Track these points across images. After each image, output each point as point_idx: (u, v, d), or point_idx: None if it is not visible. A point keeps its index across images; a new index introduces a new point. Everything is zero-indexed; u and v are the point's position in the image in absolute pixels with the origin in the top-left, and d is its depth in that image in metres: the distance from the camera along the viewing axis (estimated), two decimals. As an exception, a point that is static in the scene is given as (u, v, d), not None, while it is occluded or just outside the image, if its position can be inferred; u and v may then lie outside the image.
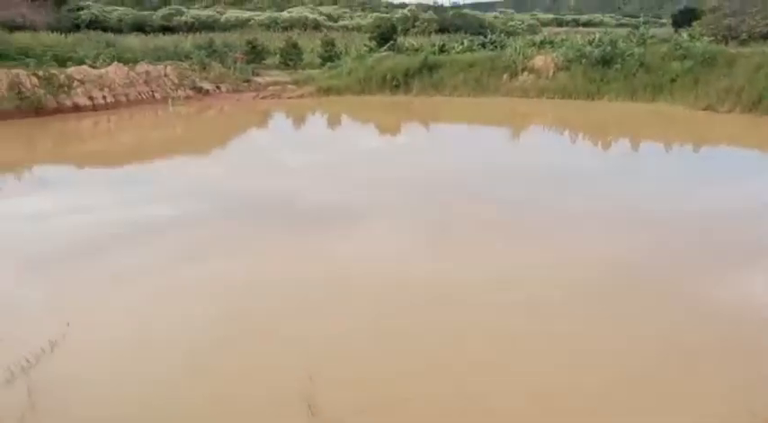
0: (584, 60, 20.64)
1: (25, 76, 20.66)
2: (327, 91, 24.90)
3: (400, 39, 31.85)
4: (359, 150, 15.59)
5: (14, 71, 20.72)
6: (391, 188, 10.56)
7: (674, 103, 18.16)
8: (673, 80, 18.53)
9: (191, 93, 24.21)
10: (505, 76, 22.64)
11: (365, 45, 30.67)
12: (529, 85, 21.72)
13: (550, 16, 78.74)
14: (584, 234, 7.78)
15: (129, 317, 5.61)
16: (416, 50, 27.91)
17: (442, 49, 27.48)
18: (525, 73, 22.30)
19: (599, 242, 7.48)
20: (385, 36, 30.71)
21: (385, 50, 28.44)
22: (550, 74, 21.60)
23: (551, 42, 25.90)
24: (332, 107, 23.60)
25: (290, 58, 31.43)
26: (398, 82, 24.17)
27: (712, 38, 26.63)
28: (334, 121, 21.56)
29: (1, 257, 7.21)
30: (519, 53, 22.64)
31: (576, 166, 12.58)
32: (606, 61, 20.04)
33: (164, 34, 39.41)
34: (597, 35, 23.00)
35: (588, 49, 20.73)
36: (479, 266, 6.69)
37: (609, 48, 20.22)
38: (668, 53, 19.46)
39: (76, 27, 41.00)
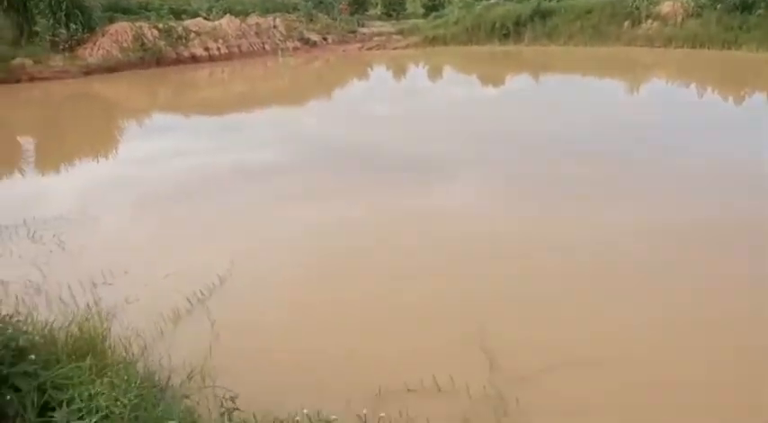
0: (719, 5, 18.79)
1: (147, 29, 21.62)
2: (433, 41, 24.33)
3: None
4: (458, 102, 15.02)
5: (138, 24, 21.72)
6: (489, 142, 10.12)
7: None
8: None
9: (298, 44, 24.43)
10: (627, 23, 21.12)
11: (471, -7, 29.51)
12: (653, 33, 20.15)
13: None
14: (677, 196, 7.06)
15: (269, 251, 5.83)
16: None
17: (552, -4, 26.00)
18: (649, 20, 20.67)
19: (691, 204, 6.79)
20: (491, -18, 29.42)
21: (491, -2, 27.32)
22: (679, 21, 19.89)
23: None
24: (436, 58, 23.08)
25: (393, 8, 30.90)
26: (508, 31, 23.20)
27: None
28: (435, 73, 21.11)
29: (128, 195, 7.73)
30: (644, -2, 20.98)
31: (698, 123, 11.31)
32: (746, 6, 18.14)
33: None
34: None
35: (726, -9, 18.81)
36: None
37: (752, -11, 18.27)
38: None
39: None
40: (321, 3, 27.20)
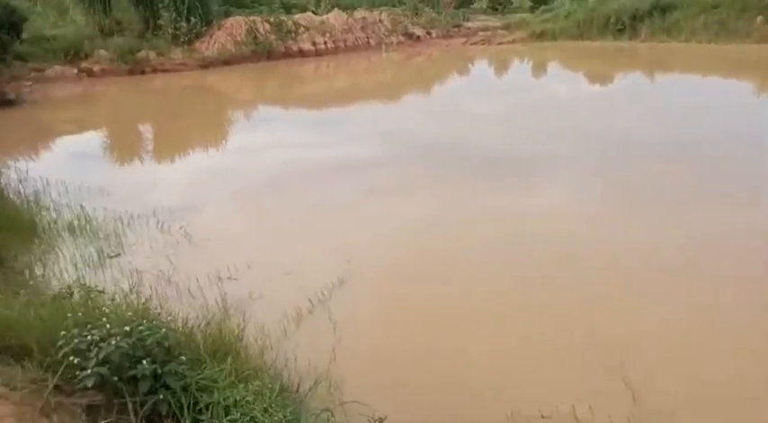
0: None
1: (260, 23, 22.42)
2: (541, 36, 23.55)
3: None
4: (559, 100, 14.46)
5: (251, 18, 22.58)
6: (587, 143, 9.69)
7: None
8: None
9: (402, 38, 24.44)
10: (759, 18, 19.33)
11: (582, -15, 28.21)
12: (793, 29, 18.32)
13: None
14: None
15: (381, 248, 5.83)
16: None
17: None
18: (788, 14, 18.81)
19: None
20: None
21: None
22: (824, 15, 17.94)
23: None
24: (543, 53, 22.27)
25: (499, 1, 30.21)
26: (623, 25, 21.98)
27: None
28: (539, 69, 20.33)
29: (241, 188, 7.99)
30: (781, -10, 19.10)
31: None
32: None
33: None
34: None
35: None
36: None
37: None
38: None
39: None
40: (427, -4, 27.06)
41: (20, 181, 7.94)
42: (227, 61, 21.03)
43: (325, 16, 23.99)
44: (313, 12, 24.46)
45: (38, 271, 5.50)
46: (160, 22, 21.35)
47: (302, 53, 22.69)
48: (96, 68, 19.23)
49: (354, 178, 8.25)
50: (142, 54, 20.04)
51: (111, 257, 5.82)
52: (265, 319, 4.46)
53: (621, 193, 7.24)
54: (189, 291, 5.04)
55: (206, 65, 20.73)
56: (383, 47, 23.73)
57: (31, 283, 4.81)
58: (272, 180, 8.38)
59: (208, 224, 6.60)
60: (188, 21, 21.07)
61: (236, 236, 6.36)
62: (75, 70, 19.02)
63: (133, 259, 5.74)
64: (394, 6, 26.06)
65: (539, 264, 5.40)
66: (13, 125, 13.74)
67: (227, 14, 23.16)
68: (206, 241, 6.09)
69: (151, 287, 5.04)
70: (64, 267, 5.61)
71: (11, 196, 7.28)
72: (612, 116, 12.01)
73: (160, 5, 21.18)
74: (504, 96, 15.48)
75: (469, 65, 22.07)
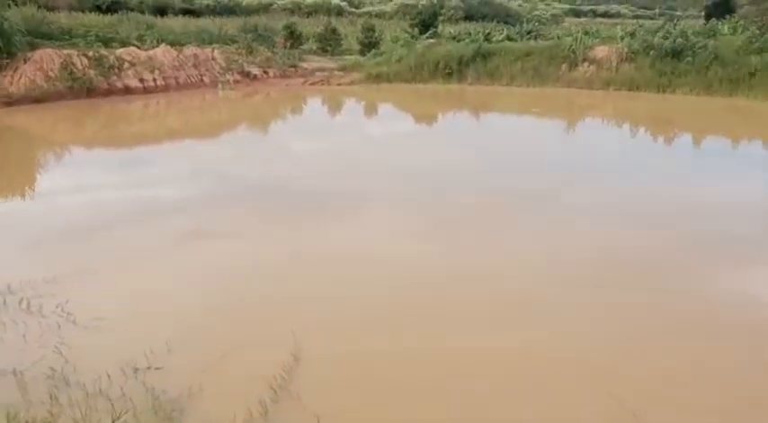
0: (651, 52, 20.10)
1: (76, 57, 20.02)
2: (377, 78, 24.32)
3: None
4: (388, 137, 15.13)
5: (65, 52, 20.07)
6: (404, 177, 10.17)
7: (754, 98, 17.68)
8: (752, 74, 18.03)
9: (238, 77, 23.56)
10: (564, 66, 22.10)
11: (406, 32, 29.99)
12: (592, 76, 21.19)
13: (567, 6, 77.83)
14: (575, 229, 7.44)
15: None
16: (454, 38, 27.41)
17: (487, 38, 26.89)
18: (586, 64, 21.76)
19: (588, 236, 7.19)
20: (426, 23, 30.16)
21: (426, 38, 27.89)
22: (613, 65, 21.07)
23: (594, 33, 25.23)
24: (378, 94, 23.08)
25: (329, 43, 30.77)
26: (452, 70, 23.63)
27: (758, 31, 26.06)
28: (371, 109, 21.13)
29: (89, 243, 6.80)
30: (579, 43, 22.09)
31: (623, 160, 12.10)
32: (676, 53, 19.51)
33: (184, 16, 38.47)
34: (666, 26, 22.49)
35: (657, 40, 20.14)
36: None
37: (679, 39, 19.68)
38: (743, 46, 18.94)
39: (98, 8, 40.01)
40: (260, 36, 26.53)
41: None
42: (37, 99, 18.34)
43: (152, 52, 22.20)
44: (138, 47, 22.52)
45: None
46: (-53, 51, 18.03)
47: (128, 90, 20.66)
48: None
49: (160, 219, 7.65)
50: (-77, 89, 16.63)
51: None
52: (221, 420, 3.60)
53: (437, 222, 7.68)
54: (101, 392, 3.93)
55: (11, 102, 17.86)
56: (219, 85, 22.62)
57: None
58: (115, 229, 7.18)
59: (86, 296, 5.34)
60: (-16, 52, 18.05)
61: (130, 308, 5.23)
62: None
63: (2, 357, 4.39)
64: (227, 44, 25.09)
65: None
66: None
67: (33, 46, 20.31)
68: (97, 321, 4.89)
69: (49, 394, 3.84)
70: None
71: None
72: (437, 151, 12.78)
73: (-53, 33, 17.93)
74: (335, 134, 15.85)
75: (305, 104, 22.01)
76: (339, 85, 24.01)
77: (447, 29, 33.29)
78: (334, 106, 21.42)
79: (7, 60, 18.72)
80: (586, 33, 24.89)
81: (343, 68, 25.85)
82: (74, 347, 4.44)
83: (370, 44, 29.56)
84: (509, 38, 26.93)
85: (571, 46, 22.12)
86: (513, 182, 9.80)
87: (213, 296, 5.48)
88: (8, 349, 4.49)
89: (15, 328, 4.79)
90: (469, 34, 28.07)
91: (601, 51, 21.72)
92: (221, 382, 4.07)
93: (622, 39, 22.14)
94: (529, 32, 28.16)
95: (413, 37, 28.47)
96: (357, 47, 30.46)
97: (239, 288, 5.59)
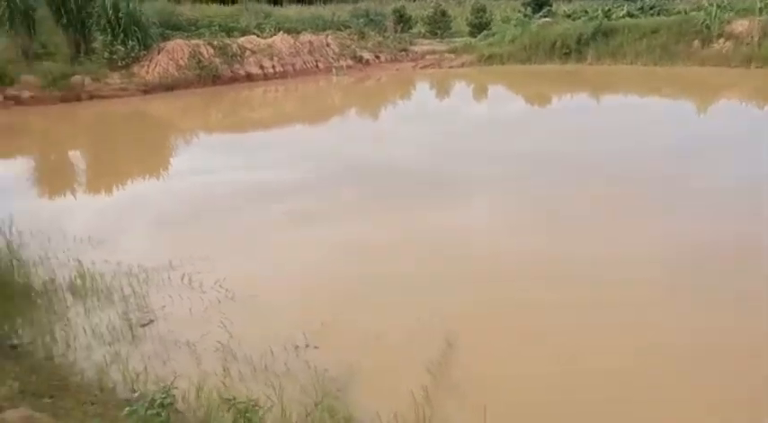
0: (801, 23, 18.05)
1: (203, 46, 21.20)
2: (489, 59, 23.75)
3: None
4: (497, 121, 14.59)
5: (193, 42, 21.32)
6: (515, 163, 9.69)
7: None
8: None
9: (351, 62, 23.93)
10: (696, 42, 20.39)
11: (519, 11, 29.03)
12: (728, 52, 19.40)
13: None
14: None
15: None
16: (569, 17, 26.12)
17: (606, 15, 25.37)
18: (722, 40, 19.94)
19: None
20: (539, 1, 28.99)
21: (540, 17, 26.80)
22: (755, 40, 19.13)
23: (726, 6, 22.93)
24: (490, 77, 22.51)
25: (438, 26, 30.43)
26: (569, 49, 22.56)
27: None
28: (481, 92, 20.56)
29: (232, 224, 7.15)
30: (714, 17, 20.25)
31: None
32: (832, 24, 17.38)
33: (298, 4, 39.49)
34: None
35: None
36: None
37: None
38: None
39: (218, -1, 42.05)
40: (372, 21, 26.74)
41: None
42: (170, 86, 19.63)
43: (270, 39, 23.07)
44: (257, 35, 23.47)
45: (56, 350, 4.38)
46: (94, 45, 19.72)
47: (250, 77, 21.63)
48: (25, 96, 17.32)
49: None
50: (76, 79, 18.29)
51: (143, 325, 4.77)
52: (386, 400, 3.65)
53: (551, 211, 7.28)
54: (266, 367, 4.12)
55: (148, 90, 19.25)
56: (333, 70, 23.11)
57: (78, 381, 3.75)
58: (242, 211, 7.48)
59: (241, 274, 5.62)
60: (125, 44, 19.54)
61: (283, 286, 5.45)
62: (1, 98, 17.03)
63: (172, 327, 4.73)
64: (339, 30, 25.54)
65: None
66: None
67: (165, 38, 21.75)
68: (253, 298, 5.14)
69: (223, 368, 4.07)
70: (87, 343, 4.52)
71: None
72: (550, 136, 12.07)
73: (94, 28, 19.57)
74: (443, 118, 15.61)
75: (415, 88, 21.95)
76: (450, 67, 23.71)
77: (561, 7, 31.75)
78: (444, 90, 21.22)
79: (144, 52, 20.16)
80: (719, 6, 22.80)
81: (453, 51, 25.47)
82: (236, 323, 4.68)
83: (480, 25, 28.89)
84: (630, 14, 25.29)
85: (704, 21, 20.34)
86: (632, 169, 9.00)
87: (350, 276, 5.59)
88: (178, 322, 4.82)
89: (181, 303, 5.13)
90: (586, 12, 26.66)
91: (740, 25, 19.80)
92: (378, 364, 4.12)
93: (761, 11, 20.01)
94: (652, 8, 26.34)
95: (525, 16, 27.52)
96: (467, 28, 29.89)
97: (372, 269, 5.67)
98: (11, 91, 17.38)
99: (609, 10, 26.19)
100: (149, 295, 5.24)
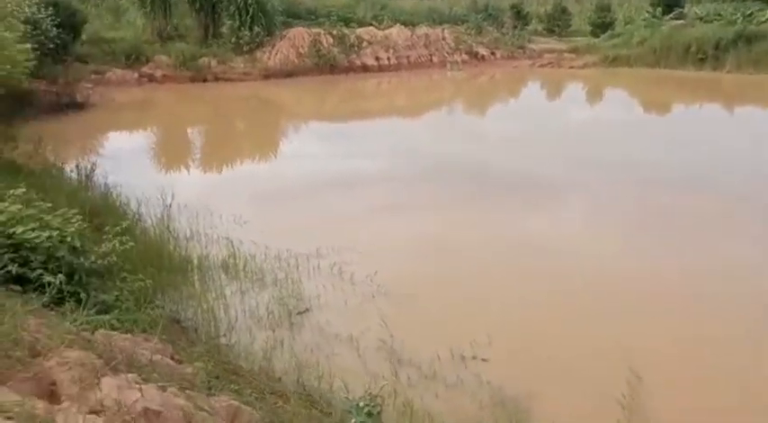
0: None
1: (323, 35, 21.48)
2: (614, 61, 22.48)
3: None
4: (607, 129, 13.45)
5: (314, 30, 21.65)
6: (611, 171, 9.11)
7: None
8: None
9: (466, 57, 23.46)
10: None
11: (647, 12, 27.29)
12: None
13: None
14: None
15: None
16: (701, 19, 24.13)
17: (747, 19, 23.25)
18: None
19: None
20: (670, 2, 27.09)
21: (671, 18, 25.03)
22: None
23: None
24: (615, 80, 21.22)
25: (557, 23, 29.25)
26: (705, 55, 20.86)
27: None
28: (595, 95, 19.33)
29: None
30: None
31: None
32: None
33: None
34: None
35: None
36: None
37: None
38: None
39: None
40: (490, 15, 26.09)
41: (139, 202, 6.80)
42: (289, 73, 20.06)
43: (387, 31, 23.04)
44: (375, 26, 23.49)
45: (218, 329, 4.34)
46: (222, 29, 20.47)
47: (365, 68, 21.71)
48: (158, 74, 18.28)
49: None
50: (204, 61, 19.09)
51: (299, 313, 4.65)
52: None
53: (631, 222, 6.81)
54: (435, 375, 3.85)
55: (268, 75, 19.77)
56: (448, 65, 22.73)
57: (248, 367, 3.65)
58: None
59: (390, 270, 5.38)
60: (251, 30, 20.13)
61: (441, 289, 5.16)
62: (136, 75, 18.08)
63: (328, 318, 4.57)
64: (456, 24, 25.10)
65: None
66: (89, 129, 12.75)
67: (288, 25, 22.23)
68: (409, 298, 4.89)
69: (389, 371, 3.85)
70: (248, 326, 4.45)
71: (149, 224, 6.13)
72: (663, 147, 11.05)
73: (224, 13, 20.32)
74: (547, 119, 14.90)
75: (526, 87, 21.15)
76: (571, 68, 22.65)
77: (692, 9, 29.57)
78: (556, 91, 20.29)
79: (267, 38, 20.70)
80: None
81: (574, 50, 24.36)
82: (395, 322, 4.45)
83: (603, 25, 27.43)
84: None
85: None
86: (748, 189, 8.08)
87: (510, 286, 5.23)
88: (334, 313, 4.67)
89: (335, 294, 4.99)
90: (720, 15, 24.57)
91: None
92: (560, 390, 3.74)
93: None
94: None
95: (654, 17, 25.82)
96: (588, 27, 28.53)
97: (534, 285, 5.27)
98: (146, 69, 18.40)
99: (751, 14, 24.03)
100: (301, 282, 5.13)
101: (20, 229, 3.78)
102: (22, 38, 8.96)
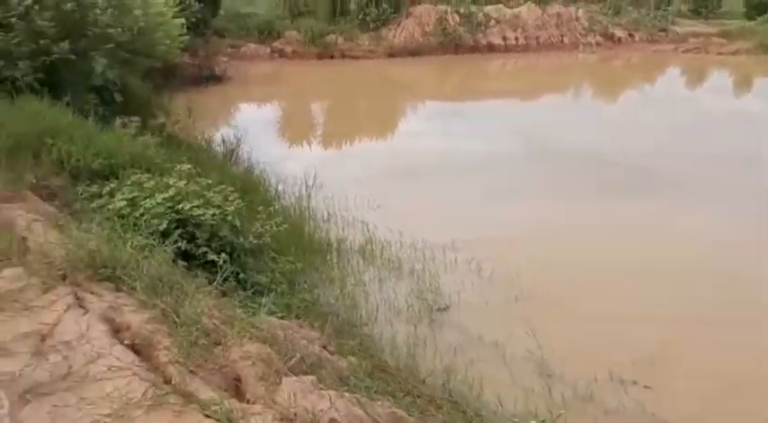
0: None
1: (449, 14, 21.04)
2: (774, 48, 20.16)
3: None
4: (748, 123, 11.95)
5: (441, 8, 21.25)
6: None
7: None
8: None
9: (600, 39, 22.08)
10: None
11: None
12: None
13: None
14: None
15: None
16: None
17: None
18: None
19: None
20: None
21: None
22: None
23: None
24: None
25: (705, 4, 26.75)
26: None
27: None
28: (743, 87, 17.25)
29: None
30: None
31: None
32: None
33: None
34: None
35: None
36: None
37: None
38: None
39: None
40: (632, -7, 24.34)
41: (278, 179, 6.96)
42: (413, 52, 19.92)
43: (517, 9, 22.15)
44: (505, 4, 22.66)
45: (359, 318, 4.31)
46: (350, 6, 20.63)
47: (491, 48, 21.06)
48: (288, 49, 18.83)
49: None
50: (331, 38, 19.37)
51: (439, 310, 4.53)
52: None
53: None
54: (592, 397, 3.57)
55: (393, 53, 19.74)
56: (580, 47, 21.52)
57: (394, 364, 3.57)
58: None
59: (532, 272, 5.09)
60: (378, 6, 20.13)
61: (591, 296, 4.82)
62: (268, 49, 18.73)
63: (469, 318, 4.40)
64: (591, 3, 23.63)
65: None
66: (227, 102, 13.42)
67: (414, 2, 22.00)
68: (557, 305, 4.61)
69: (542, 386, 3.62)
70: (389, 318, 4.39)
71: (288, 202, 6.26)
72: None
73: (353, -11, 20.51)
74: (680, 110, 13.76)
75: (663, 74, 19.41)
76: (720, 54, 20.63)
77: None
78: (697, 78, 18.53)
79: (394, 15, 20.61)
80: None
81: (724, 35, 22.17)
82: (541, 329, 4.17)
83: (761, 6, 24.71)
84: None
85: None
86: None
87: (678, 301, 4.77)
88: (476, 314, 4.50)
89: (474, 292, 4.81)
90: None
91: None
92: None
93: None
94: None
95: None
96: (741, 9, 25.86)
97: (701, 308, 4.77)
98: (277, 44, 19.00)
99: None
100: (439, 276, 4.99)
101: (187, 206, 3.92)
102: (176, 13, 9.44)
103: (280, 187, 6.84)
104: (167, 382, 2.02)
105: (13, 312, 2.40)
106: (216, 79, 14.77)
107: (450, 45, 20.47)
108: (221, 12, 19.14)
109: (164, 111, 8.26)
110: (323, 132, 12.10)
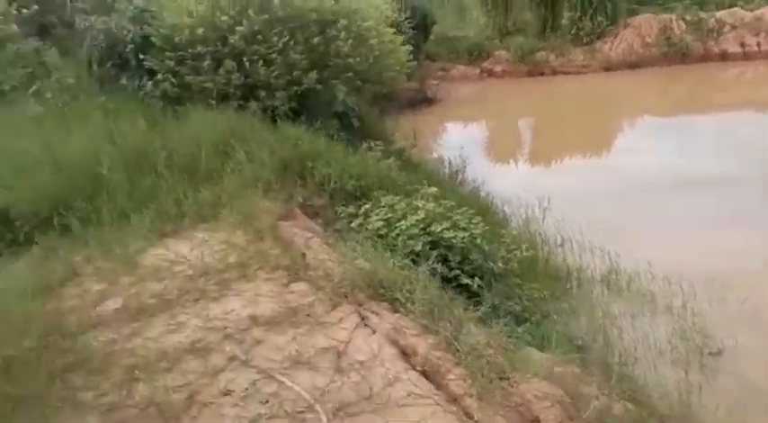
0: None
1: (674, 22, 19.20)
2: None
3: None
4: None
5: (664, 16, 19.51)
6: None
7: None
8: None
9: None
10: None
11: None
12: None
13: None
14: None
15: None
16: None
17: None
18: None
19: None
20: None
21: None
22: None
23: None
24: None
25: None
26: None
27: None
28: None
29: None
30: None
31: None
32: None
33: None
34: None
35: None
36: None
37: None
38: None
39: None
40: None
41: (503, 201, 6.80)
42: (633, 64, 18.46)
43: (758, 11, 19.39)
44: (740, 7, 20.01)
45: (609, 353, 3.91)
46: (561, 21, 19.93)
47: (724, 56, 18.68)
48: (497, 69, 18.74)
49: None
50: (541, 55, 18.84)
51: (711, 354, 3.94)
52: None
53: None
54: None
55: (609, 67, 18.52)
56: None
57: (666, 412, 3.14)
58: None
59: None
60: (592, 20, 19.11)
61: None
62: (477, 70, 18.83)
63: (747, 369, 3.75)
64: None
65: None
66: (440, 123, 13.81)
67: (632, 13, 20.51)
68: None
69: None
70: (650, 359, 3.92)
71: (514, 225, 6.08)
72: None
73: (564, 5, 19.76)
74: None
75: None
76: None
77: None
78: None
79: (610, 27, 19.39)
80: None
81: None
82: None
83: None
84: None
85: None
86: None
87: None
88: (758, 365, 3.81)
89: (751, 339, 4.11)
90: None
91: None
92: None
93: None
94: None
95: None
96: None
97: None
98: (486, 64, 19.01)
99: None
100: (704, 315, 4.37)
101: (438, 228, 3.94)
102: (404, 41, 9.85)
103: (506, 208, 6.68)
104: (468, 415, 1.94)
105: (309, 326, 2.55)
106: (428, 102, 15.24)
107: (675, 55, 18.61)
108: (431, 37, 19.77)
109: (392, 134, 8.63)
110: (536, 150, 11.75)
